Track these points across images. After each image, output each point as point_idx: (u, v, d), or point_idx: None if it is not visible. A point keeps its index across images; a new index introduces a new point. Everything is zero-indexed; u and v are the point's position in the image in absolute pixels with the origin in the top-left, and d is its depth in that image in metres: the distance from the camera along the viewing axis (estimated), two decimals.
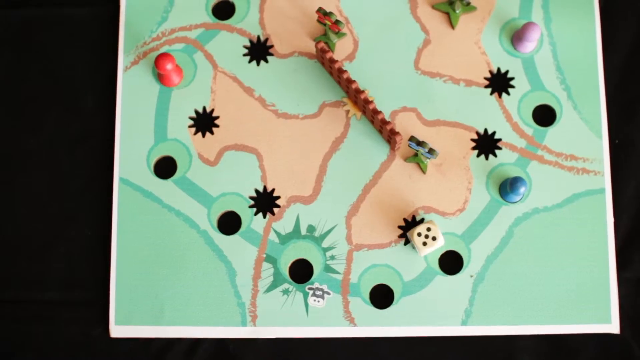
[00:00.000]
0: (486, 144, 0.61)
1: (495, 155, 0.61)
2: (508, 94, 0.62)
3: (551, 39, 0.63)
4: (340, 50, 0.63)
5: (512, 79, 0.62)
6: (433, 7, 0.64)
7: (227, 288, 0.59)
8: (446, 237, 0.59)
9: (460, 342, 0.59)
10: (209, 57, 0.63)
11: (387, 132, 0.59)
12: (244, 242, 0.60)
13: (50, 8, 0.65)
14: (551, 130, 0.62)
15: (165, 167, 0.62)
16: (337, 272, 0.59)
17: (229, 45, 0.63)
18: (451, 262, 0.60)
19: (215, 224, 0.61)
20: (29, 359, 0.60)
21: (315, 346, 0.59)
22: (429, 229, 0.57)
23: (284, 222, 0.60)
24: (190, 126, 0.62)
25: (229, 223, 0.61)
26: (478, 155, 0.61)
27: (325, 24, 0.61)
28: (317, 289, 0.59)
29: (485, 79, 0.62)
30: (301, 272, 0.60)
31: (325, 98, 0.62)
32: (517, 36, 0.62)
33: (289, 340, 0.59)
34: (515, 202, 0.60)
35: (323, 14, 0.60)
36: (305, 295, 0.59)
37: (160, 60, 0.59)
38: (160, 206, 0.61)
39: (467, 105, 0.62)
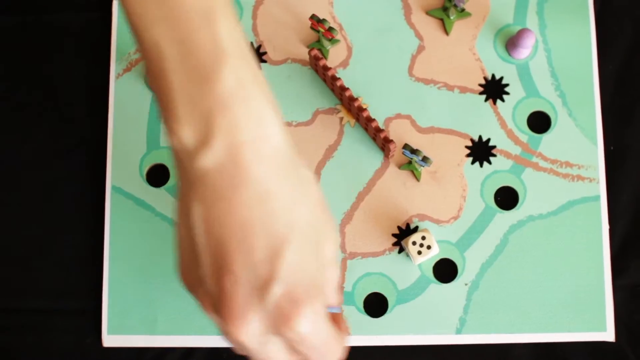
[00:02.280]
0: (481, 151, 0.61)
1: (489, 162, 0.61)
2: (503, 100, 0.62)
3: (546, 45, 0.63)
4: (334, 57, 0.63)
5: (506, 85, 0.62)
6: (427, 13, 0.63)
7: None
8: (440, 245, 0.59)
9: (455, 350, 0.59)
10: None
11: (381, 140, 0.58)
12: None
13: (41, 15, 0.64)
14: (546, 137, 0.61)
15: (157, 175, 0.61)
16: None
17: None
18: (445, 270, 0.59)
19: None
20: None
21: None
22: (423, 238, 0.57)
23: None
24: None
25: None
26: (473, 163, 0.61)
27: (318, 31, 0.60)
28: None
29: (480, 85, 0.62)
30: None
31: (318, 105, 0.62)
32: (511, 42, 0.62)
33: None
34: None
35: (316, 20, 0.59)
36: None
37: None
38: (152, 214, 0.60)
39: (461, 112, 0.62)
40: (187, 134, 0.36)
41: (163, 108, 0.37)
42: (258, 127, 0.36)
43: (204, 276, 0.37)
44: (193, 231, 0.37)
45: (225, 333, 0.38)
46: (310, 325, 0.37)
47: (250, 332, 0.37)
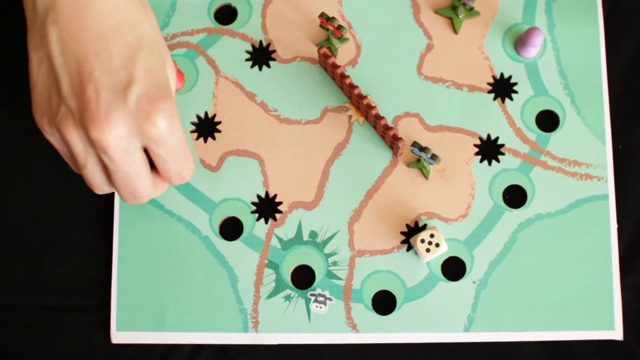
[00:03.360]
0: (489, 149, 0.61)
1: (498, 160, 0.61)
2: (511, 99, 0.62)
3: (554, 44, 0.63)
4: (343, 55, 0.63)
5: (515, 84, 0.62)
6: (436, 12, 0.63)
7: (228, 294, 0.59)
8: (449, 243, 0.59)
9: (463, 348, 0.59)
10: (210, 62, 0.63)
11: (389, 138, 0.58)
12: (245, 248, 0.60)
13: None
14: (554, 135, 0.61)
15: None
16: (340, 278, 0.59)
17: (231, 50, 0.63)
18: (454, 268, 0.60)
19: (217, 229, 0.60)
20: None
21: (317, 352, 0.59)
22: (432, 236, 0.57)
23: (286, 228, 0.60)
24: (192, 131, 0.62)
25: (231, 229, 0.60)
26: (481, 161, 0.61)
27: (327, 29, 0.60)
28: (319, 295, 0.59)
29: (489, 84, 0.62)
30: (303, 278, 0.60)
31: (327, 103, 0.62)
32: (520, 41, 0.62)
33: (291, 346, 0.59)
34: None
35: (326, 19, 0.59)
36: (307, 302, 0.59)
37: None
38: (161, 212, 0.60)
39: (470, 110, 0.62)
40: None
41: None
42: None
43: (65, 96, 0.40)
44: (50, 55, 0.41)
45: (93, 142, 0.40)
46: (168, 120, 0.41)
47: (116, 134, 0.40)
